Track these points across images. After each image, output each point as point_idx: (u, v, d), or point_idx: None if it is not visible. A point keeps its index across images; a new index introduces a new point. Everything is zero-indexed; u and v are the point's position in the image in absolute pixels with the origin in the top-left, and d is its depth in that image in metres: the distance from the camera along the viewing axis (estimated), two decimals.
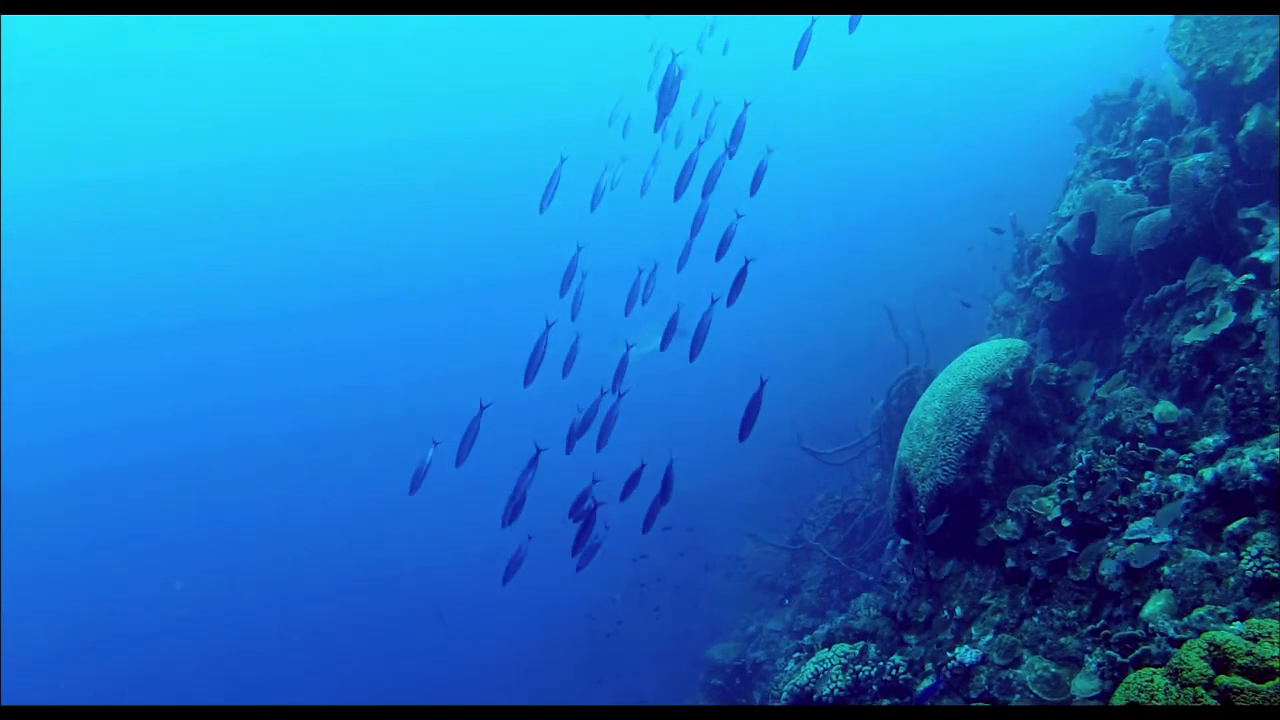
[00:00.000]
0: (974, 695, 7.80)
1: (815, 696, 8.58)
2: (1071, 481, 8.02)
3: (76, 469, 51.22)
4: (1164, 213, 9.26)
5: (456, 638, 31.67)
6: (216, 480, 49.25)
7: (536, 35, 54.85)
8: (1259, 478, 6.71)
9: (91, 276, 57.97)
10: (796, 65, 11.25)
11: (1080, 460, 8.04)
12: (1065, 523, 7.90)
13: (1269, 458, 6.70)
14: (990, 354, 8.95)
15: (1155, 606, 6.74)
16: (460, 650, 31.19)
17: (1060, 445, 9.24)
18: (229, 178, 58.88)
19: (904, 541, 9.86)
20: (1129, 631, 6.73)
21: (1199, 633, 6.27)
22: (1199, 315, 8.62)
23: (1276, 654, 4.53)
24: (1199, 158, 9.14)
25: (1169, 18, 11.16)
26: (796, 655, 10.49)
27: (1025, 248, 13.81)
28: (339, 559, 41.38)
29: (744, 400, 9.60)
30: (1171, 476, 7.57)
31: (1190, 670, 4.78)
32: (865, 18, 11.62)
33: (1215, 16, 10.44)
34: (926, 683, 8.20)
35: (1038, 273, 11.79)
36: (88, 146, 56.88)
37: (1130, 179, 10.59)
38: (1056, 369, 9.79)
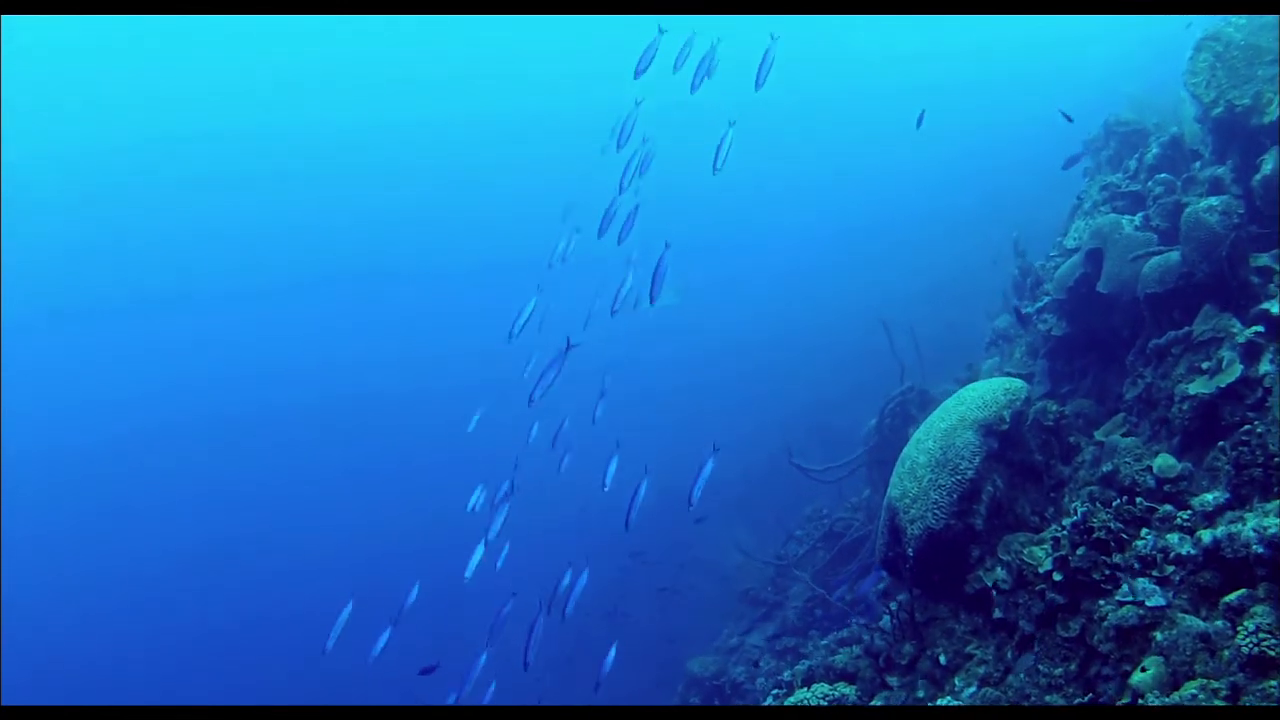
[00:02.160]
0: None
1: None
2: (1065, 534, 7.77)
3: (70, 440, 51.22)
4: (1174, 255, 9.01)
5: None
6: (209, 453, 49.23)
7: (539, 23, 54.68)
8: (1260, 549, 6.47)
9: (86, 244, 57.92)
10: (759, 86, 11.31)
11: (1075, 513, 7.79)
12: (1057, 576, 7.65)
13: (1272, 530, 6.45)
14: (988, 394, 8.70)
15: (1146, 676, 6.50)
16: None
17: (1055, 488, 9.03)
18: (226, 147, 58.72)
19: (889, 578, 9.62)
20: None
21: None
22: (1205, 365, 8.38)
23: None
24: (1213, 201, 8.89)
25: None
26: (775, 691, 10.27)
27: (1028, 273, 13.57)
28: (331, 537, 41.34)
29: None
30: (1168, 536, 7.30)
31: None
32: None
33: (1236, 52, 10.16)
34: None
35: (1040, 303, 11.55)
36: (90, 113, 56.76)
37: (1140, 215, 10.34)
38: (1054, 408, 9.56)
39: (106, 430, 51.35)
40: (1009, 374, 12.64)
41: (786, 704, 8.77)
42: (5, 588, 37.85)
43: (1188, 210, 8.93)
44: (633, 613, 24.09)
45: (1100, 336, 10.51)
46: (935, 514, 8.29)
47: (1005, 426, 8.55)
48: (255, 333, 55.46)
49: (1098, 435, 9.36)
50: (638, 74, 11.83)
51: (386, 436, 47.15)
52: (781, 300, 39.98)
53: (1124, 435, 9.04)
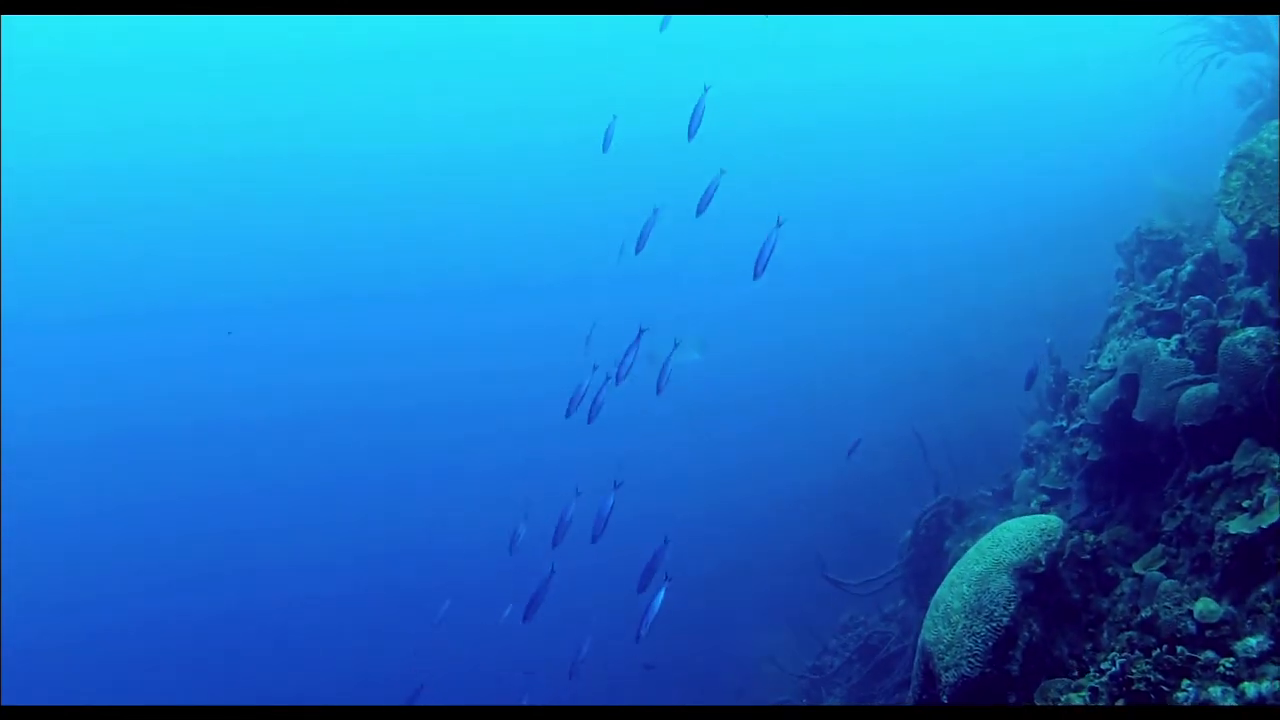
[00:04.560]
0: None
1: None
2: (1103, 683, 7.58)
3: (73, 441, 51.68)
4: (1211, 387, 8.86)
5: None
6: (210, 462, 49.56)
7: (566, 46, 55.93)
8: None
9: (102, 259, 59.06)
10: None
11: (1114, 664, 7.60)
12: None
13: None
14: (1023, 535, 8.55)
15: None
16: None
17: (1093, 623, 8.83)
18: (233, 170, 60.24)
19: None
20: None
21: None
22: (1245, 503, 8.19)
23: None
24: (1250, 333, 8.75)
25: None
26: None
27: (1062, 386, 13.43)
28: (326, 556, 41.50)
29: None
30: (1211, 688, 7.10)
31: None
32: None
33: (1270, 170, 10.06)
34: None
35: (1075, 425, 11.41)
36: (93, 122, 58.12)
37: (1175, 339, 10.18)
38: (1091, 539, 9.36)
39: (107, 431, 51.89)
40: (1044, 489, 12.50)
41: None
42: (6, 587, 37.87)
43: (1225, 342, 8.80)
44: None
45: (1137, 460, 10.33)
46: (970, 662, 8.11)
47: (1041, 569, 8.39)
48: (256, 346, 56.15)
49: (1136, 567, 9.15)
50: None
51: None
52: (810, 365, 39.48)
53: (1162, 569, 8.84)
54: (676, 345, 11.15)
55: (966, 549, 10.34)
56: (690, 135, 12.79)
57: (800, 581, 22.35)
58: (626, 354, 11.55)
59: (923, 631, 8.74)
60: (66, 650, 39.36)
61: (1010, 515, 12.33)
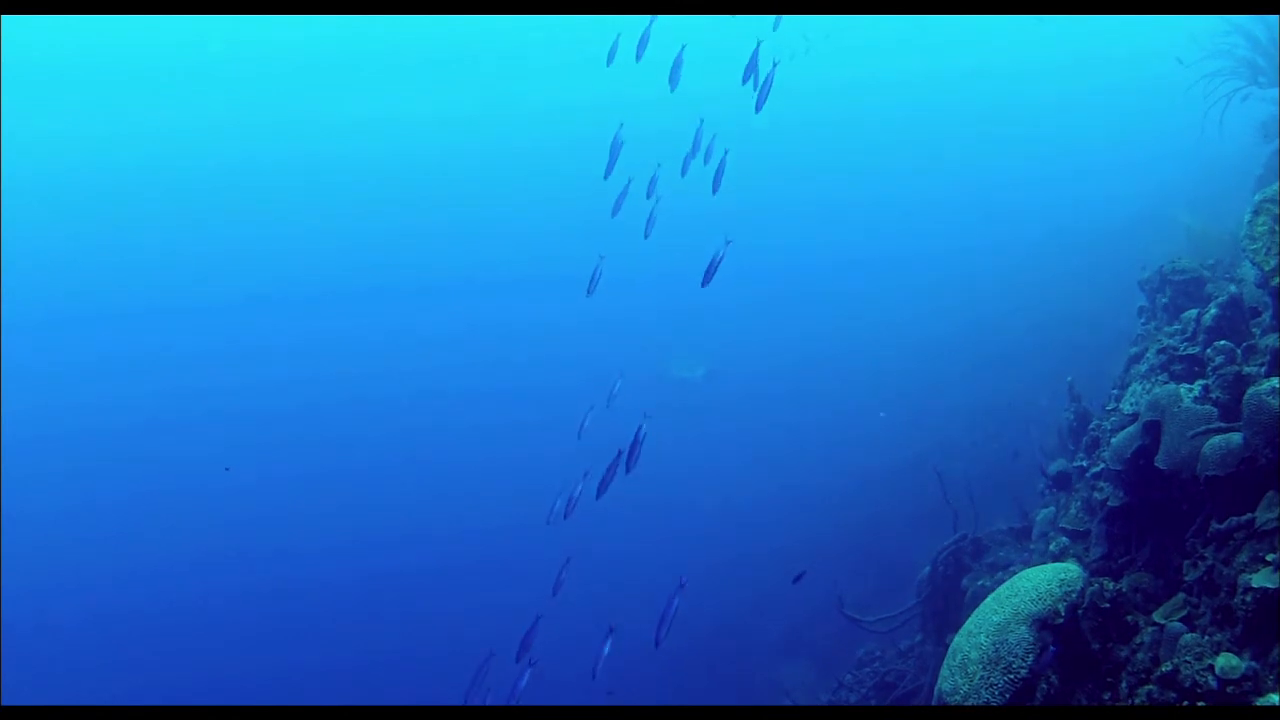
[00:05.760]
0: None
1: None
2: None
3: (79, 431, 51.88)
4: (1235, 437, 8.76)
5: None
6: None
7: (569, 48, 56.67)
8: None
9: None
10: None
11: None
12: None
13: None
14: (1043, 586, 8.47)
15: None
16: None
17: (1112, 672, 8.73)
18: (240, 170, 61.40)
19: None
20: None
21: None
22: (1269, 556, 8.09)
23: None
24: (1275, 383, 8.65)
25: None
26: None
27: (1083, 424, 13.33)
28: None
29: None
30: None
31: None
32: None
33: None
34: None
35: (1096, 468, 11.31)
36: (95, 119, 58.62)
37: (1199, 385, 10.09)
38: (1111, 587, 9.26)
39: (113, 426, 52.14)
40: (1064, 529, 12.38)
41: None
42: (6, 585, 37.86)
43: (1250, 391, 8.70)
44: None
45: (1159, 507, 10.22)
46: None
47: (1060, 620, 8.31)
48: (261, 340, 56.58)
49: (1156, 616, 9.05)
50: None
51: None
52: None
53: (1183, 619, 8.75)
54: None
55: (984, 588, 10.29)
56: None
57: (819, 611, 22.27)
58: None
59: (939, 681, 8.66)
60: (68, 647, 39.35)
61: (1029, 557, 12.26)
